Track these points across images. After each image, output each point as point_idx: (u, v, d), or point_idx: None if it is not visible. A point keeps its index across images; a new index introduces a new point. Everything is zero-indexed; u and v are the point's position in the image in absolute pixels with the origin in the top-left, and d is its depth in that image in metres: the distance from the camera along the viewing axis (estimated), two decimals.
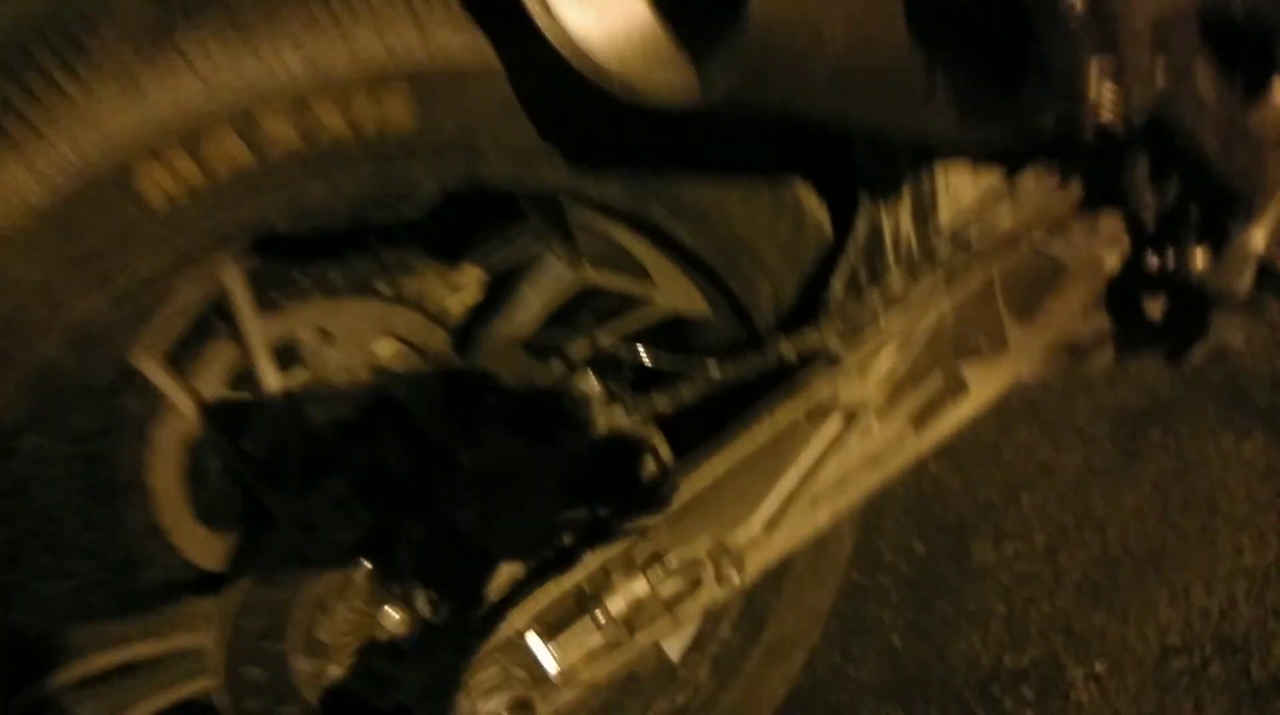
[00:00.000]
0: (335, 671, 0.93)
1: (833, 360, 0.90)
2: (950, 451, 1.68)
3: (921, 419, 1.01)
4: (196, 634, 0.88)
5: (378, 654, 0.93)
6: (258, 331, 0.84)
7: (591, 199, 0.83)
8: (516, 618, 0.84)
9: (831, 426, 0.96)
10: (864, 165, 0.90)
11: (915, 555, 1.56)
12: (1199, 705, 1.38)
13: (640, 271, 0.95)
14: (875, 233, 0.93)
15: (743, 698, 1.17)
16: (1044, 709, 1.39)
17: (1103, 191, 1.03)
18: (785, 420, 0.92)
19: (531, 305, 0.95)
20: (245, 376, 0.87)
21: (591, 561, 0.84)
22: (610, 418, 0.90)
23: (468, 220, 1.12)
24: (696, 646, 1.16)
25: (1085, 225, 1.12)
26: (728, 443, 0.89)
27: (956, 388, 1.02)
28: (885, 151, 0.90)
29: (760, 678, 1.17)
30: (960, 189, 0.99)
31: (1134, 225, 1.13)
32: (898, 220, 0.94)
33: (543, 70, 0.68)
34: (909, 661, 1.44)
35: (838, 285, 0.92)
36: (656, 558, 0.88)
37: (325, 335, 0.94)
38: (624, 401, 0.88)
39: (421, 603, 0.91)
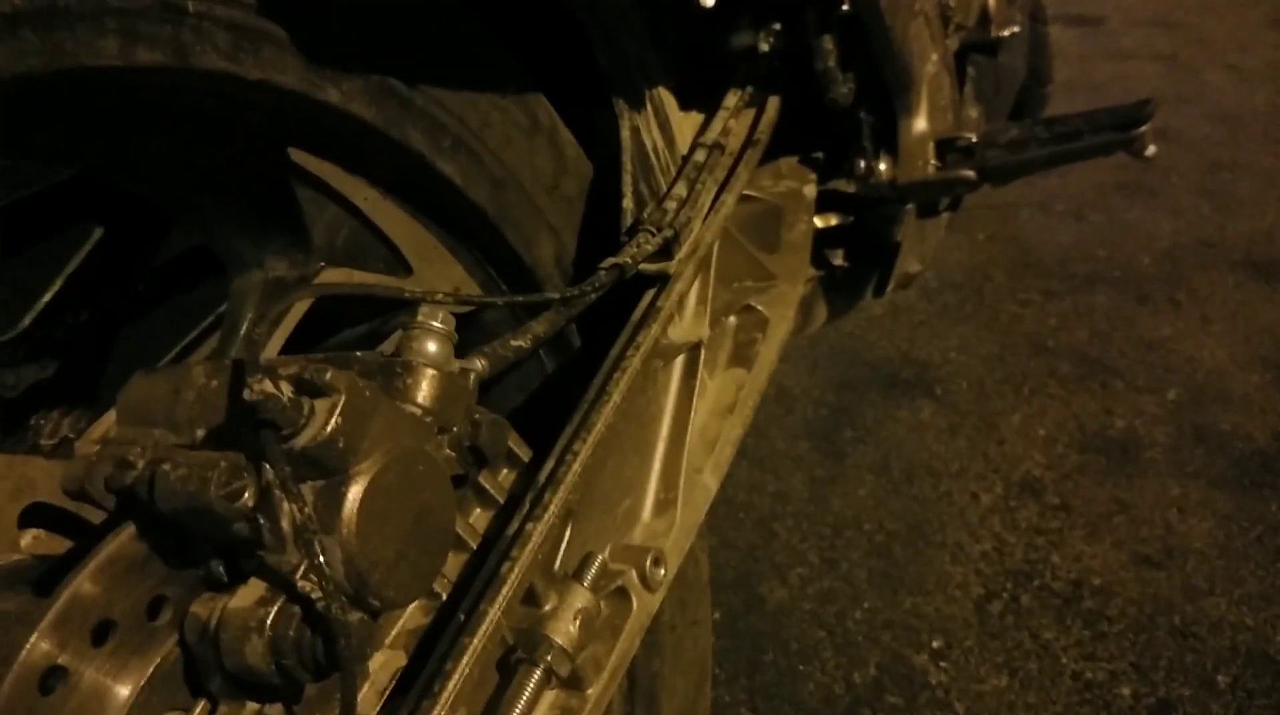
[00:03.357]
0: None
1: (663, 279, 0.75)
2: None
3: (744, 358, 0.89)
4: None
5: None
6: None
7: (334, 119, 0.62)
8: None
9: (675, 375, 0.79)
10: (611, 74, 0.79)
11: (715, 624, 1.38)
12: (1034, 633, 1.34)
13: (392, 257, 0.73)
14: (640, 144, 0.81)
15: None
16: (915, 705, 1.26)
17: (794, 108, 1.03)
18: (637, 373, 0.73)
19: (257, 344, 0.69)
20: None
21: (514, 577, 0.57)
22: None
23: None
24: None
25: (777, 167, 1.12)
26: (591, 416, 0.69)
27: (757, 321, 0.92)
28: (623, 59, 0.80)
29: None
30: (671, 106, 0.92)
31: (817, 162, 1.14)
32: (652, 134, 0.83)
33: None
34: None
35: (628, 203, 0.78)
36: (585, 562, 0.64)
37: None
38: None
39: None
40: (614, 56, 0.78)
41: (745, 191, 1.06)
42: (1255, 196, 2.29)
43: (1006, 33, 1.49)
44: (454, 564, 0.63)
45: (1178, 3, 3.44)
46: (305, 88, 0.59)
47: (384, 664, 0.58)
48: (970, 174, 1.07)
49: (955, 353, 1.87)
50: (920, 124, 1.10)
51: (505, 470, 0.68)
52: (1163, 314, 1.93)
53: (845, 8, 0.95)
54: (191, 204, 0.69)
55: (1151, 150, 1.00)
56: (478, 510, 0.66)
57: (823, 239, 1.22)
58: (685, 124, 0.95)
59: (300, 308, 0.70)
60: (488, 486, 0.65)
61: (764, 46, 1.00)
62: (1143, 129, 0.99)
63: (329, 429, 0.47)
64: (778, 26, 0.99)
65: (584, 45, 0.77)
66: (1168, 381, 1.76)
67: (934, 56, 1.13)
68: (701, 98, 0.97)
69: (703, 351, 0.81)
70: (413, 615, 0.60)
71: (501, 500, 0.66)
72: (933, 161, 1.11)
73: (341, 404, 0.48)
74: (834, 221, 1.22)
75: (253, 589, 0.49)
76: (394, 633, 0.59)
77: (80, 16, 0.47)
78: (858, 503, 1.56)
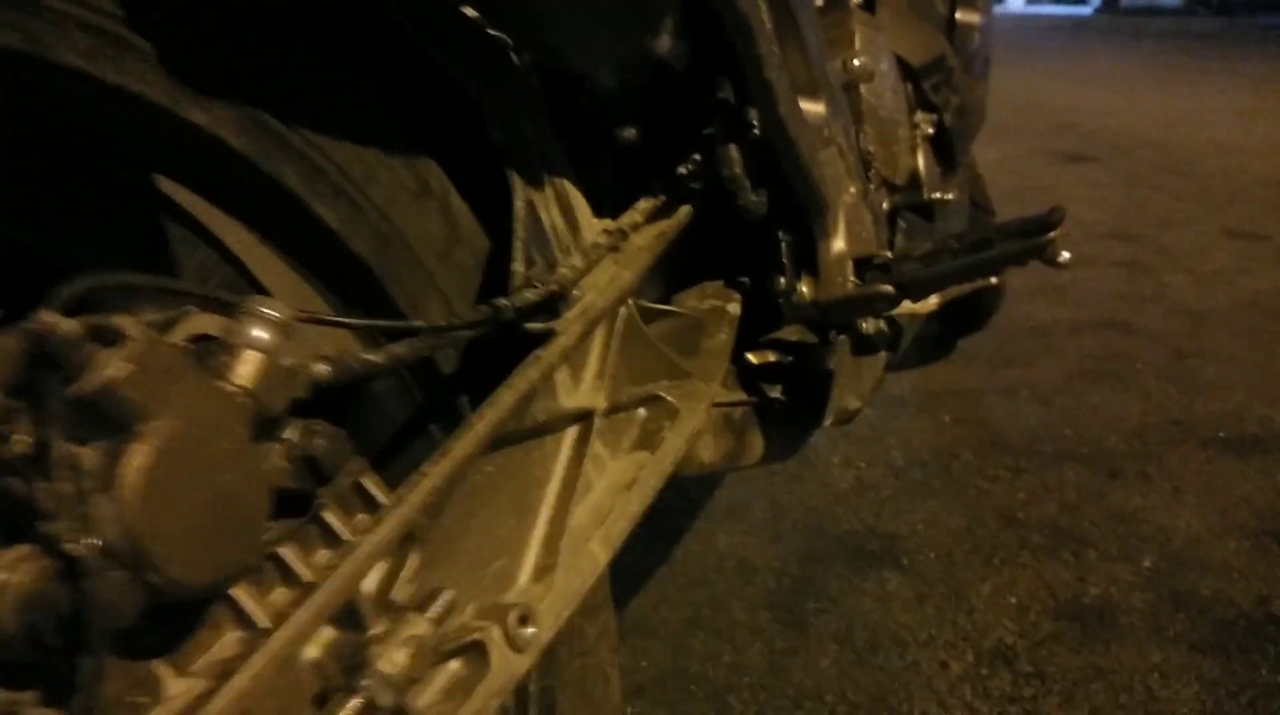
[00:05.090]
0: None
1: (545, 335, 0.74)
2: (639, 689, 1.45)
3: (650, 443, 0.85)
4: None
5: None
6: None
7: (201, 143, 0.62)
8: None
9: (566, 442, 0.76)
10: (507, 151, 0.80)
11: None
12: None
13: None
14: (536, 218, 0.81)
15: None
16: None
17: (718, 230, 1.04)
18: (516, 425, 0.71)
19: None
20: None
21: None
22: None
23: None
24: None
25: (702, 289, 1.13)
26: (451, 445, 0.65)
27: (667, 410, 0.89)
28: (521, 140, 0.82)
29: None
30: (577, 199, 0.93)
31: (742, 286, 1.15)
32: (550, 212, 0.84)
33: None
34: None
35: (518, 266, 0.78)
36: (430, 596, 0.58)
37: None
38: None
39: None
40: (510, 135, 0.80)
41: (668, 307, 1.06)
42: (1222, 379, 2.29)
43: (938, 195, 1.55)
44: (284, 598, 0.57)
45: (1136, 218, 3.60)
46: (169, 103, 0.60)
47: (185, 690, 0.51)
48: (889, 288, 1.07)
49: (923, 526, 1.81)
50: (838, 245, 1.12)
51: (361, 515, 0.64)
52: (1134, 487, 1.88)
53: (755, 132, 0.99)
54: (59, 237, 0.68)
55: (1065, 257, 1.00)
56: (321, 550, 0.61)
57: (759, 374, 1.21)
58: (598, 225, 0.96)
59: None
60: (333, 523, 0.61)
61: (683, 170, 1.03)
62: (1053, 234, 1.00)
63: (114, 374, 0.44)
64: (697, 157, 1.02)
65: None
66: (1142, 550, 1.69)
67: (852, 189, 1.17)
68: (617, 208, 1.00)
69: (597, 420, 0.78)
70: (225, 645, 0.54)
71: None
72: (851, 279, 1.11)
73: (131, 352, 0.45)
74: (770, 357, 1.22)
75: (18, 551, 0.44)
76: (201, 661, 0.53)
77: None
78: (819, 674, 1.46)
